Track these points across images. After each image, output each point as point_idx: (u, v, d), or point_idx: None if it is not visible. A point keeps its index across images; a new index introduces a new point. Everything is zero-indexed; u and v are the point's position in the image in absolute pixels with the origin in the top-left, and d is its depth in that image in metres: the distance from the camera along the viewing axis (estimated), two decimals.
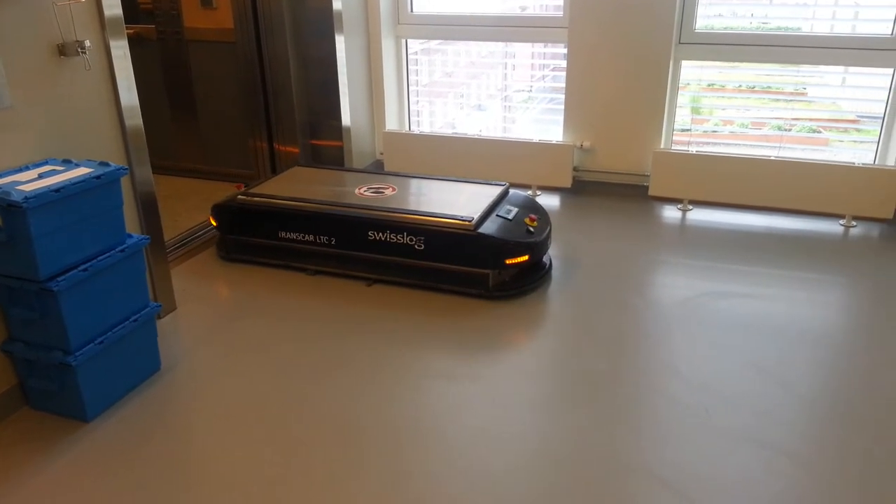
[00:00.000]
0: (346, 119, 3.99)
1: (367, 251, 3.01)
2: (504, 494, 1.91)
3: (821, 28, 3.56)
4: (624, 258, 3.26)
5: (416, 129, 4.51)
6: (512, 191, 3.30)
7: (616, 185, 4.03)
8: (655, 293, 2.96)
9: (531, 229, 2.94)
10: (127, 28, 2.54)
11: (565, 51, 3.91)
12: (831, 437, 2.11)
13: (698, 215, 3.78)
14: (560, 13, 3.91)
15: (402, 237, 2.92)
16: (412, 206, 3.03)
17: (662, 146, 3.91)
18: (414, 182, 3.37)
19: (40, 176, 2.09)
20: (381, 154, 4.40)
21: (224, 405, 2.29)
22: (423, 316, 2.80)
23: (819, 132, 3.83)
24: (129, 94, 2.55)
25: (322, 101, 3.94)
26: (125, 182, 2.56)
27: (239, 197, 3.19)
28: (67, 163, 2.23)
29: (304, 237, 3.09)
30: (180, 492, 1.93)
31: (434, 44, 4.42)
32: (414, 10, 4.22)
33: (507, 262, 2.85)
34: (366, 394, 2.33)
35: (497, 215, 2.99)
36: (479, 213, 2.92)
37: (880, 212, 3.53)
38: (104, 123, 2.49)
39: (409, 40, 4.33)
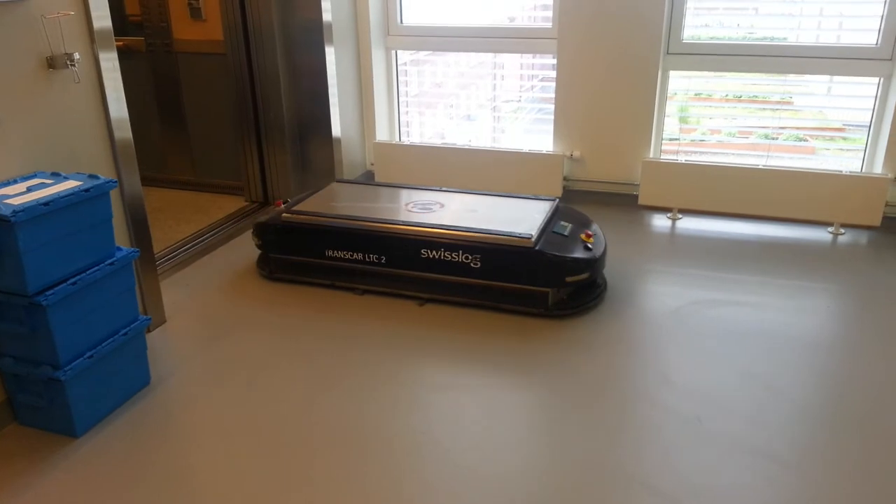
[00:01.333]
0: (336, 130, 3.99)
1: (419, 270, 2.92)
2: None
3: (806, 38, 3.60)
4: (615, 267, 3.27)
5: (406, 140, 4.51)
6: (562, 205, 3.23)
7: (606, 194, 4.05)
8: (646, 302, 2.96)
9: (589, 246, 2.86)
10: (116, 40, 2.53)
11: (554, 61, 3.93)
12: (822, 443, 2.12)
13: (688, 224, 3.80)
14: (549, 24, 3.94)
15: (458, 255, 2.84)
16: (466, 223, 2.93)
17: (651, 155, 3.93)
18: (461, 197, 3.27)
19: (29, 189, 2.07)
20: (372, 165, 4.41)
21: (214, 419, 2.27)
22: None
23: (805, 140, 3.86)
24: (118, 106, 2.54)
25: (312, 112, 3.94)
26: (114, 195, 2.55)
27: (283, 215, 3.09)
28: (56, 176, 2.22)
29: (352, 255, 2.99)
30: None
31: (423, 54, 4.44)
32: (403, 21, 4.24)
33: (568, 279, 2.77)
34: (373, 404, 2.32)
35: (553, 231, 2.92)
36: (536, 230, 2.86)
37: (868, 219, 3.56)
38: (93, 136, 2.48)
39: (398, 51, 4.35)
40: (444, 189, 3.38)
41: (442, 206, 3.14)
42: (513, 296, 2.86)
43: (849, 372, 2.48)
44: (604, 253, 2.92)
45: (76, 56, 2.33)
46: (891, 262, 3.30)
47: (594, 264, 2.85)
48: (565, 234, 2.91)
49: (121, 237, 2.59)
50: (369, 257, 2.98)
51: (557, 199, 3.21)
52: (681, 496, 1.92)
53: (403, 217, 3.02)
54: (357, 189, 3.43)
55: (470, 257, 2.83)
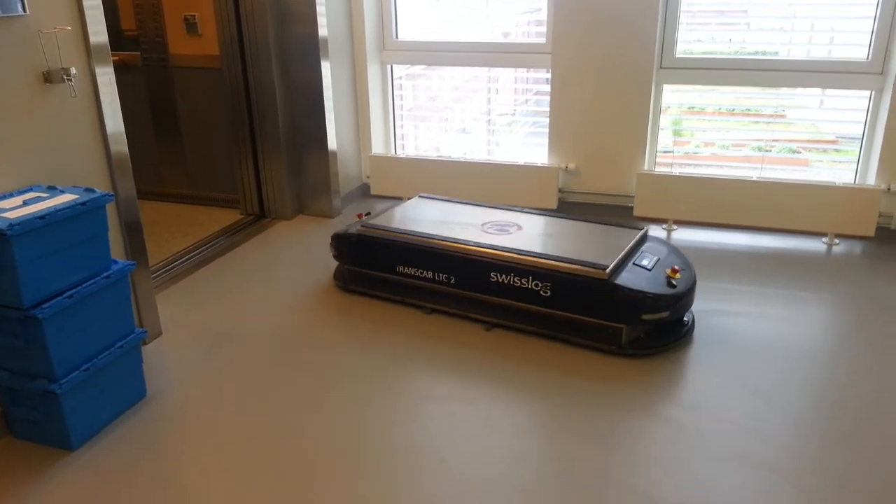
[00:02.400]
0: (332, 143, 4.00)
1: (488, 294, 2.80)
2: None
3: (798, 53, 3.64)
4: None
5: (401, 153, 4.53)
6: (652, 235, 3.02)
7: (601, 206, 4.07)
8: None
9: (674, 282, 2.63)
10: (112, 55, 2.55)
11: (548, 75, 3.96)
12: (818, 452, 2.12)
13: (683, 235, 3.81)
14: (543, 39, 3.97)
15: (528, 281, 2.69)
16: (539, 249, 2.79)
17: (646, 168, 3.95)
18: (542, 220, 3.13)
19: (25, 203, 2.08)
20: (368, 178, 4.42)
21: (210, 433, 2.26)
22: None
23: (799, 152, 3.89)
24: (114, 121, 2.55)
25: (308, 126, 3.96)
26: (110, 208, 2.55)
27: (358, 228, 3.08)
28: (52, 189, 2.22)
29: (421, 273, 2.93)
30: None
31: (419, 68, 4.47)
32: (399, 36, 4.27)
33: (644, 317, 2.57)
34: (370, 419, 2.32)
35: (634, 263, 2.71)
36: (614, 261, 2.65)
37: (862, 229, 3.58)
38: (89, 150, 2.49)
39: (394, 66, 4.37)
40: (527, 210, 3.25)
41: (520, 227, 3.01)
42: (584, 329, 2.67)
43: (845, 381, 2.48)
44: (690, 290, 2.68)
45: (73, 71, 2.34)
46: (885, 271, 3.32)
47: (676, 302, 2.61)
48: (649, 267, 2.70)
49: (116, 250, 2.59)
50: (438, 276, 2.89)
51: (646, 229, 2.98)
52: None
53: (475, 237, 2.91)
54: (439, 205, 3.35)
55: (540, 284, 2.67)
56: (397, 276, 3.00)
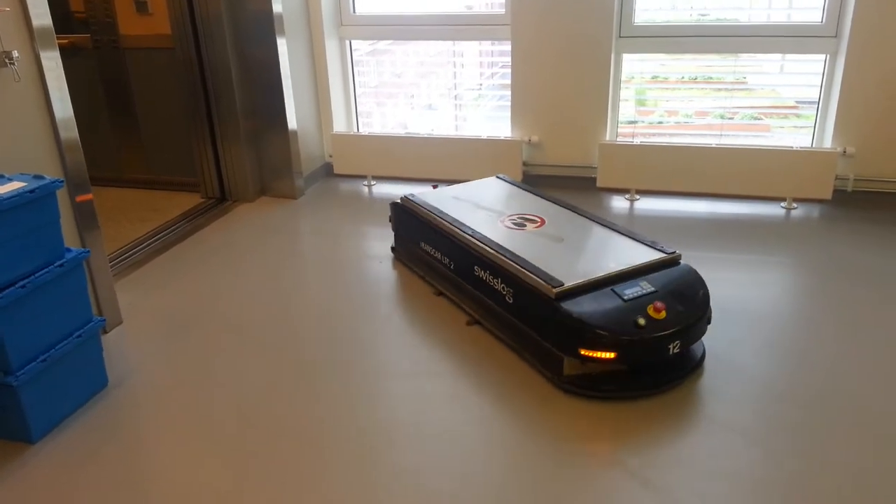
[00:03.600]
0: (292, 122, 3.94)
1: (473, 286, 2.68)
2: None
3: (758, 18, 3.66)
4: None
5: (365, 130, 4.48)
6: (686, 265, 2.48)
7: (565, 178, 4.07)
8: None
9: (640, 322, 2.19)
10: (60, 38, 2.47)
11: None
12: (778, 413, 2.17)
13: (645, 204, 3.84)
14: (502, 10, 3.94)
15: (498, 283, 2.52)
16: (516, 250, 2.54)
17: (608, 138, 3.96)
18: (571, 221, 2.80)
19: None
20: (331, 157, 4.37)
21: (173, 420, 2.24)
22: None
23: (760, 119, 3.93)
24: (62, 106, 2.48)
25: (267, 105, 3.89)
26: (62, 196, 2.49)
27: (401, 198, 3.13)
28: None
29: (434, 253, 2.92)
30: None
31: (384, 44, 4.41)
32: (357, 10, 4.20)
33: (583, 352, 2.20)
34: (342, 404, 2.31)
35: (614, 289, 2.30)
36: (579, 280, 2.31)
37: (819, 192, 3.64)
38: (38, 136, 2.42)
39: (354, 41, 4.31)
40: (582, 212, 2.87)
41: (539, 225, 2.74)
42: (535, 348, 2.39)
43: (804, 343, 2.54)
44: (667, 338, 2.20)
45: (15, 54, 2.26)
46: (842, 234, 3.38)
47: (629, 347, 2.18)
48: (627, 297, 2.26)
49: (71, 238, 2.53)
50: (443, 259, 2.86)
51: (673, 254, 2.49)
52: (646, 469, 1.95)
53: (482, 227, 2.75)
54: (499, 188, 3.20)
55: (506, 289, 2.48)
56: (421, 251, 3.03)
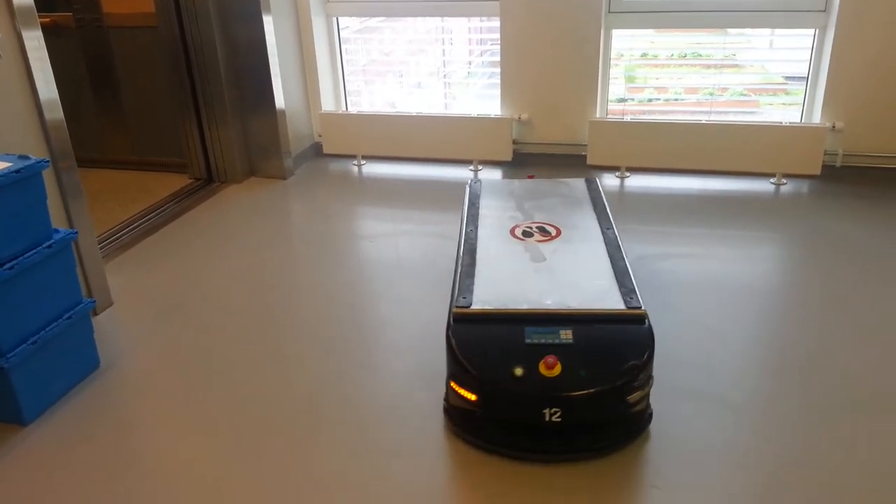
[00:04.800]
0: (279, 102, 3.90)
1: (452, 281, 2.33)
2: None
3: None
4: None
5: (353, 109, 4.45)
6: (643, 329, 1.96)
7: (555, 155, 4.06)
8: None
9: (517, 372, 1.84)
10: (43, 17, 2.42)
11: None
12: (769, 386, 2.19)
13: (636, 182, 3.84)
14: None
15: (451, 286, 2.23)
16: (481, 259, 2.27)
17: (598, 115, 3.95)
18: (582, 242, 2.38)
19: None
20: (320, 136, 4.34)
21: (165, 400, 2.24)
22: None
23: (750, 95, 3.93)
24: (46, 87, 2.44)
25: (253, 85, 3.85)
26: (49, 177, 2.46)
27: (472, 181, 2.90)
28: None
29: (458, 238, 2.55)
30: (123, 491, 1.88)
31: (374, 21, 4.36)
32: None
33: (451, 383, 1.97)
34: (330, 381, 2.31)
35: (527, 328, 1.94)
36: (494, 306, 2.01)
37: (808, 168, 3.65)
38: (21, 117, 2.38)
39: (341, 18, 4.26)
40: (609, 238, 2.40)
41: (547, 238, 2.39)
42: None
43: (794, 317, 2.56)
44: (541, 401, 1.84)
45: None
46: (831, 209, 3.40)
47: (492, 395, 1.89)
48: (526, 339, 1.91)
49: (58, 219, 2.51)
50: (457, 247, 2.48)
51: (639, 309, 2.00)
52: (637, 442, 1.97)
53: (487, 225, 2.51)
54: (566, 193, 2.79)
55: (449, 295, 2.18)
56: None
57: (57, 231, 2.23)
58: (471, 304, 2.02)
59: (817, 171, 3.65)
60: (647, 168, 3.94)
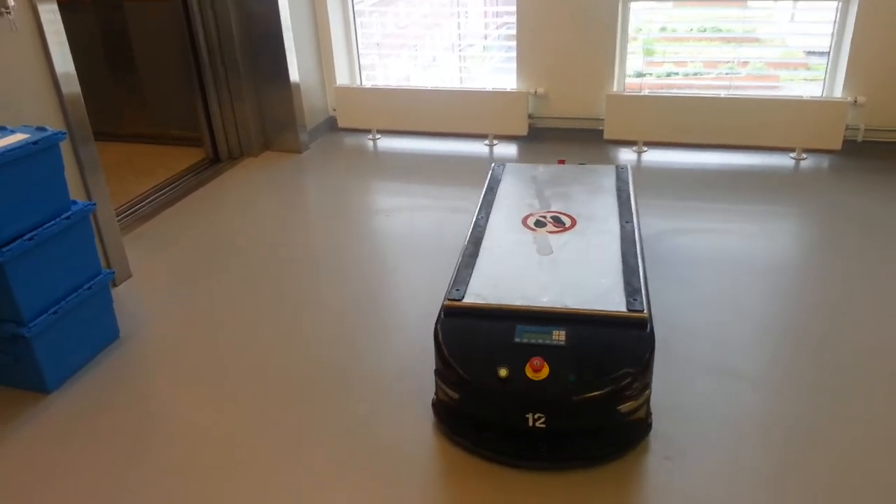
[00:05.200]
0: (294, 75, 3.89)
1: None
2: None
3: None
4: None
5: (368, 83, 4.43)
6: (644, 335, 1.86)
7: (572, 130, 4.03)
8: None
9: (502, 373, 1.76)
10: None
11: None
12: (785, 360, 2.18)
13: (653, 156, 3.81)
14: None
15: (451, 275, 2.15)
16: (485, 250, 2.18)
17: (615, 89, 3.91)
18: (598, 235, 2.25)
19: None
20: (335, 110, 4.33)
21: (185, 369, 2.27)
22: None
23: (770, 70, 3.86)
24: (63, 60, 2.45)
25: (268, 59, 3.83)
26: (67, 150, 2.47)
27: (498, 162, 2.83)
28: (2, 129, 2.14)
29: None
30: (144, 458, 1.92)
31: None
32: None
33: (437, 378, 1.92)
34: (347, 344, 2.33)
35: (519, 326, 1.86)
36: (487, 301, 1.92)
37: (829, 143, 3.60)
38: (38, 89, 2.39)
39: None
40: (628, 230, 2.27)
41: (560, 229, 2.28)
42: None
43: (811, 292, 2.54)
44: (524, 405, 1.76)
45: (10, 2, 2.22)
46: (851, 184, 3.35)
47: (473, 394, 1.82)
48: (516, 338, 1.82)
49: (76, 191, 2.53)
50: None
51: (642, 313, 1.87)
52: (654, 417, 1.97)
53: (499, 213, 2.42)
54: (592, 180, 2.66)
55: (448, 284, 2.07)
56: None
57: (75, 203, 2.24)
58: (463, 297, 1.93)
59: (838, 146, 3.60)
60: (664, 143, 3.90)
